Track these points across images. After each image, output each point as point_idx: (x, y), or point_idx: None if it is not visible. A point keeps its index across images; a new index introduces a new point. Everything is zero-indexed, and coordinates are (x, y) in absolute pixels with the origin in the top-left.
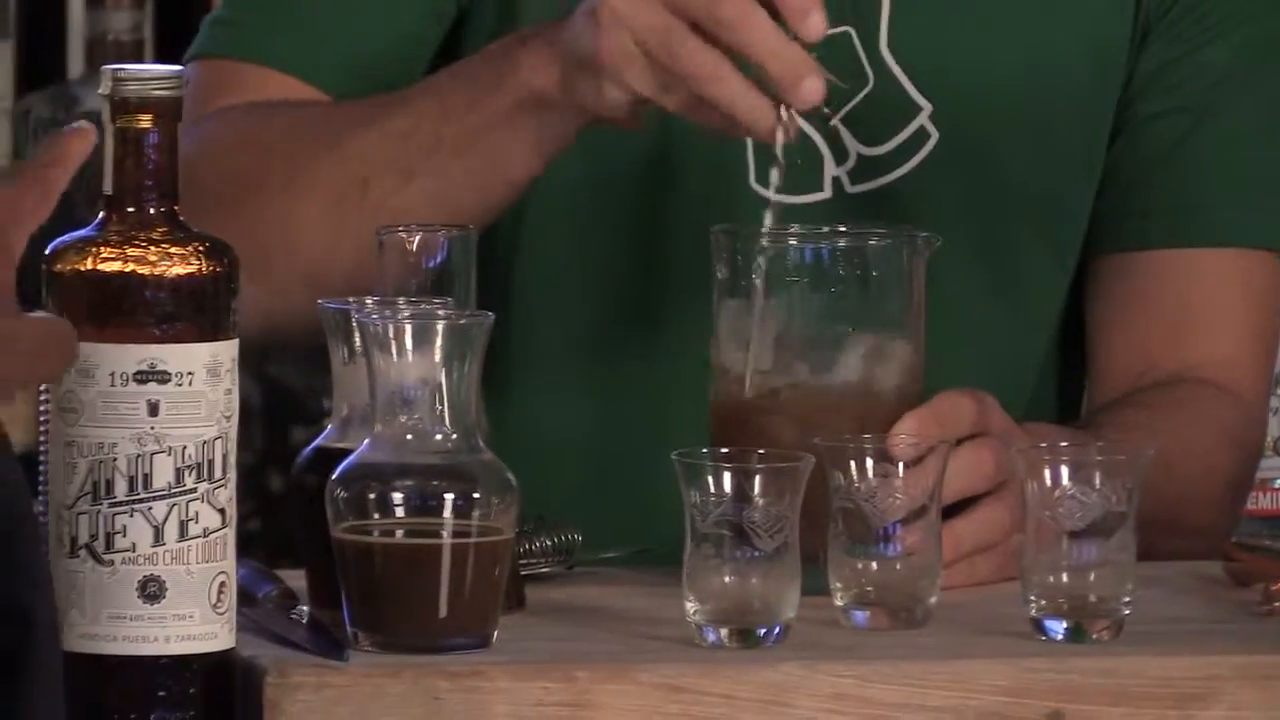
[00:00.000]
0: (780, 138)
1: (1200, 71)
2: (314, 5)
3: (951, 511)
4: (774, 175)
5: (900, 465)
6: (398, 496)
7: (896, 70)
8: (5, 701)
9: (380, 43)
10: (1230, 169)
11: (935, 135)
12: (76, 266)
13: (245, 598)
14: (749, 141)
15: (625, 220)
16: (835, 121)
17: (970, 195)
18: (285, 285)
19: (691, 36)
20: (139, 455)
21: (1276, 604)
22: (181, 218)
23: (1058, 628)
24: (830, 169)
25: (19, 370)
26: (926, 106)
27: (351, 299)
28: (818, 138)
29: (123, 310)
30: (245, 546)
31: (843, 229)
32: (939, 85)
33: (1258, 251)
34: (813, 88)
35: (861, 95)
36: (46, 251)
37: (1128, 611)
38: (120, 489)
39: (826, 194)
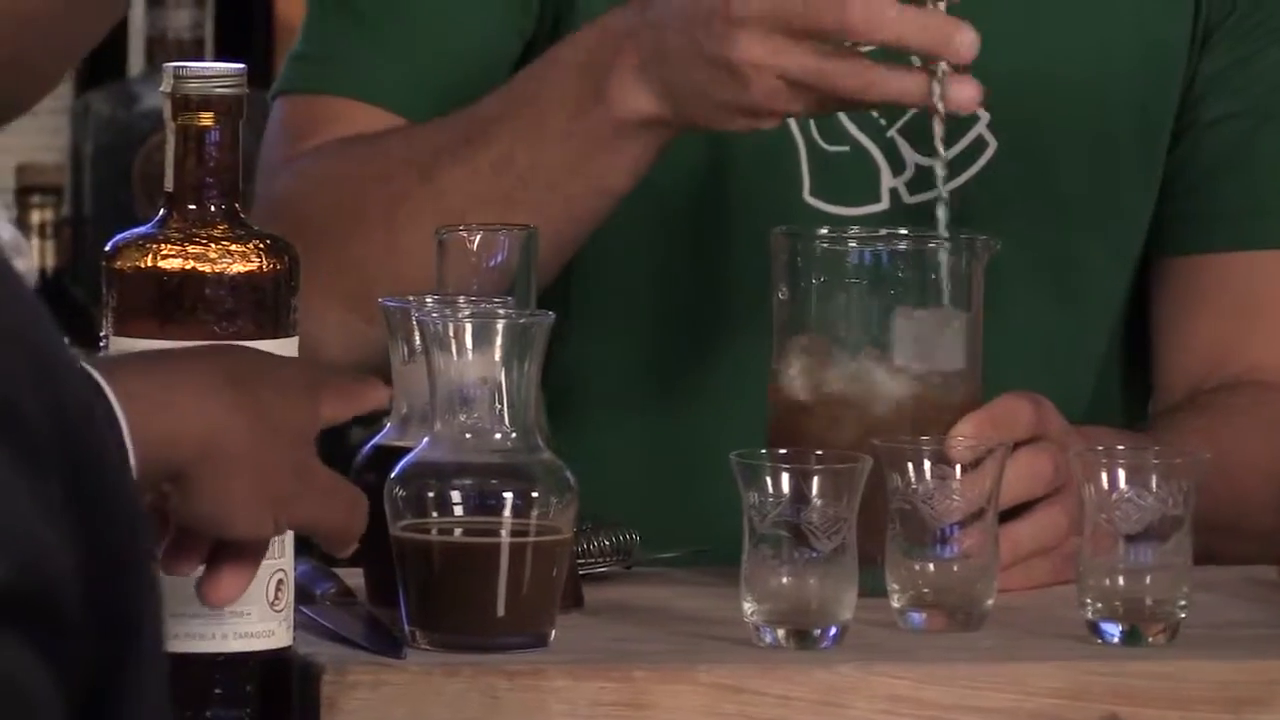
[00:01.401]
0: (940, 105)
1: (1263, 74)
2: (397, 34)
3: (1009, 515)
4: (939, 168)
5: (958, 468)
6: (456, 495)
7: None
8: (111, 712)
9: (467, 66)
10: None
11: (994, 144)
12: (137, 263)
13: (303, 595)
14: (803, 154)
15: (681, 234)
16: (893, 132)
17: (1029, 202)
18: None
19: (834, 58)
20: None
21: None
22: (242, 215)
23: (1113, 631)
24: (887, 180)
25: (308, 506)
26: (984, 115)
27: (412, 297)
28: (874, 149)
29: (183, 307)
30: (304, 544)
31: (902, 232)
32: (997, 94)
33: None
34: (966, 40)
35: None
36: (107, 248)
37: (1184, 615)
38: None
39: (884, 205)
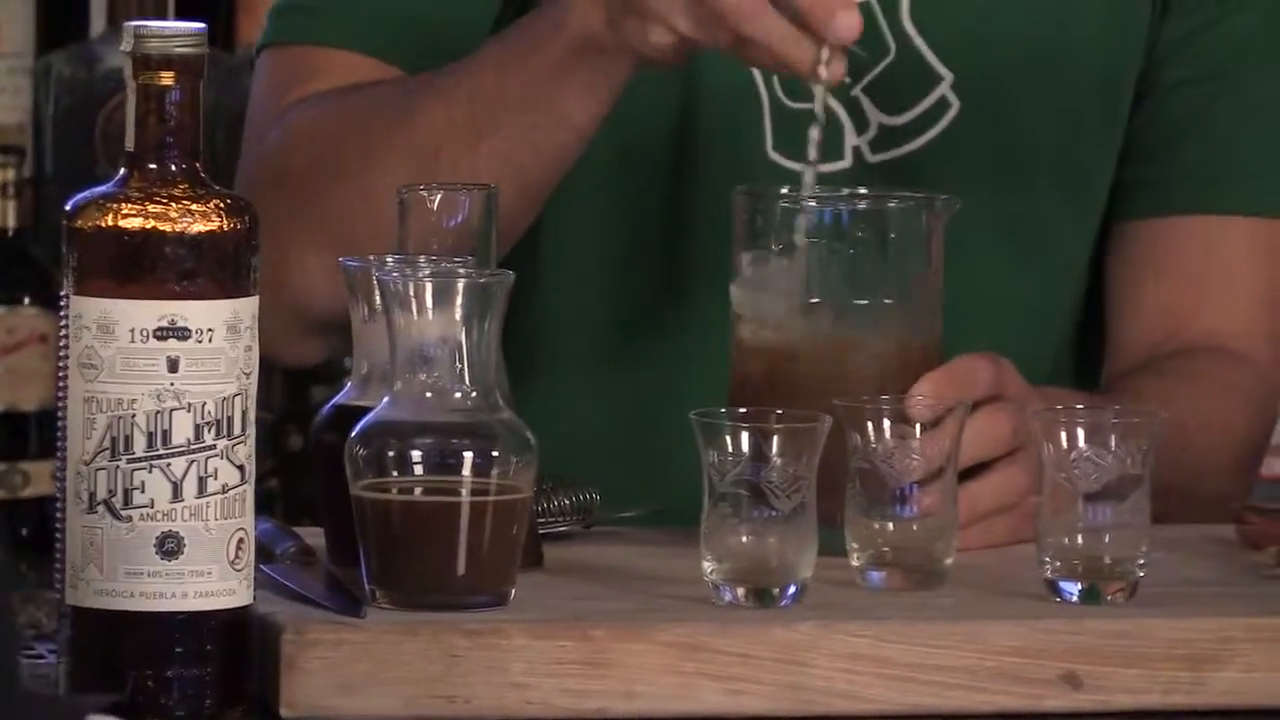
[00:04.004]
0: (823, 76)
1: (1225, 39)
2: None
3: (968, 475)
4: (813, 132)
5: (917, 427)
6: (417, 454)
7: (918, 40)
8: None
9: (453, 16)
10: (1253, 137)
11: (956, 105)
12: (97, 222)
13: (264, 554)
14: (766, 110)
15: (646, 190)
16: (857, 91)
17: (991, 164)
18: None
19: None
20: (158, 411)
21: None
22: (203, 174)
23: (1072, 589)
24: (851, 138)
25: None
26: (948, 76)
27: (372, 257)
28: (839, 107)
29: (143, 267)
30: (265, 504)
31: (863, 191)
32: (960, 55)
33: (1279, 220)
34: (849, 23)
35: (883, 65)
36: (67, 207)
37: (1142, 573)
38: (139, 445)
39: (847, 163)
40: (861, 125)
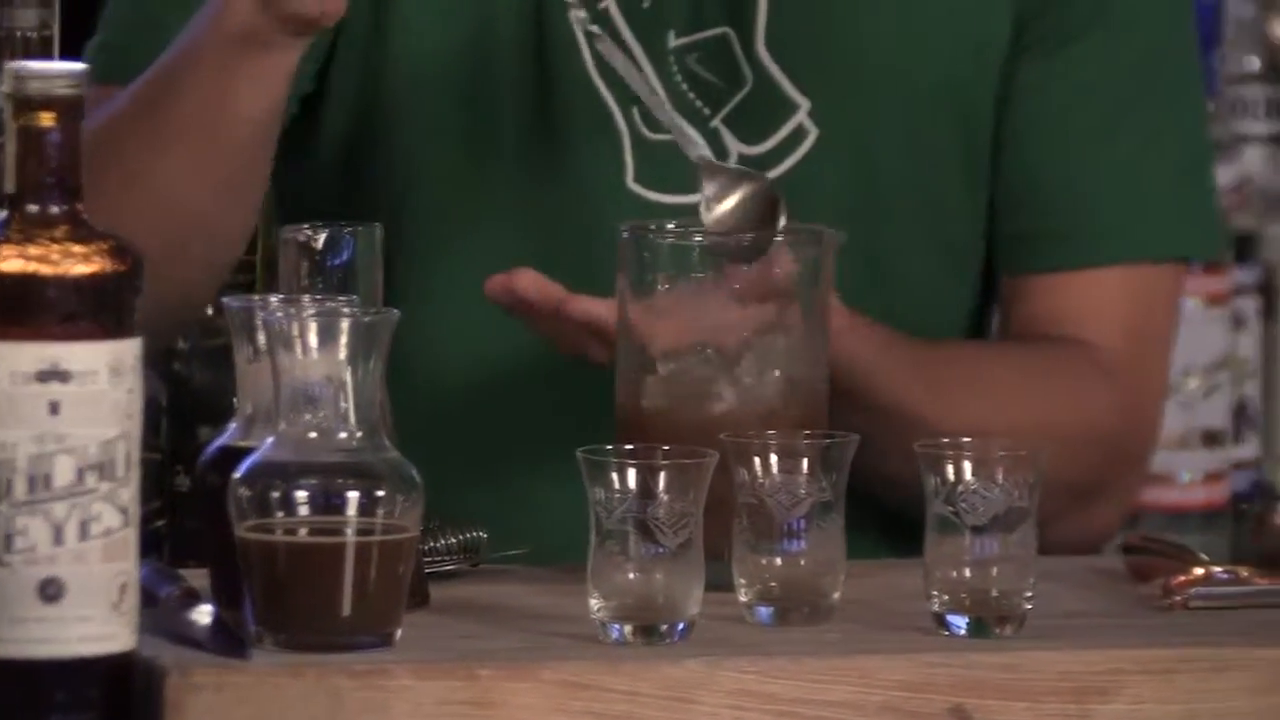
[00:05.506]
0: None
1: (1070, 82)
2: (175, 27)
3: None
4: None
5: (804, 461)
6: (301, 495)
7: (774, 69)
8: None
9: None
10: (1109, 184)
11: (814, 132)
12: None
13: (147, 598)
14: (627, 142)
15: (509, 225)
16: (716, 122)
17: (851, 193)
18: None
19: None
20: (39, 455)
21: (1176, 598)
22: (84, 216)
23: (960, 623)
24: None
25: None
26: (804, 104)
27: (256, 297)
28: (698, 138)
29: (24, 309)
30: (153, 545)
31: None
32: (816, 83)
33: (1149, 265)
34: None
35: (740, 95)
36: None
37: (1029, 606)
38: (20, 489)
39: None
40: (720, 155)
